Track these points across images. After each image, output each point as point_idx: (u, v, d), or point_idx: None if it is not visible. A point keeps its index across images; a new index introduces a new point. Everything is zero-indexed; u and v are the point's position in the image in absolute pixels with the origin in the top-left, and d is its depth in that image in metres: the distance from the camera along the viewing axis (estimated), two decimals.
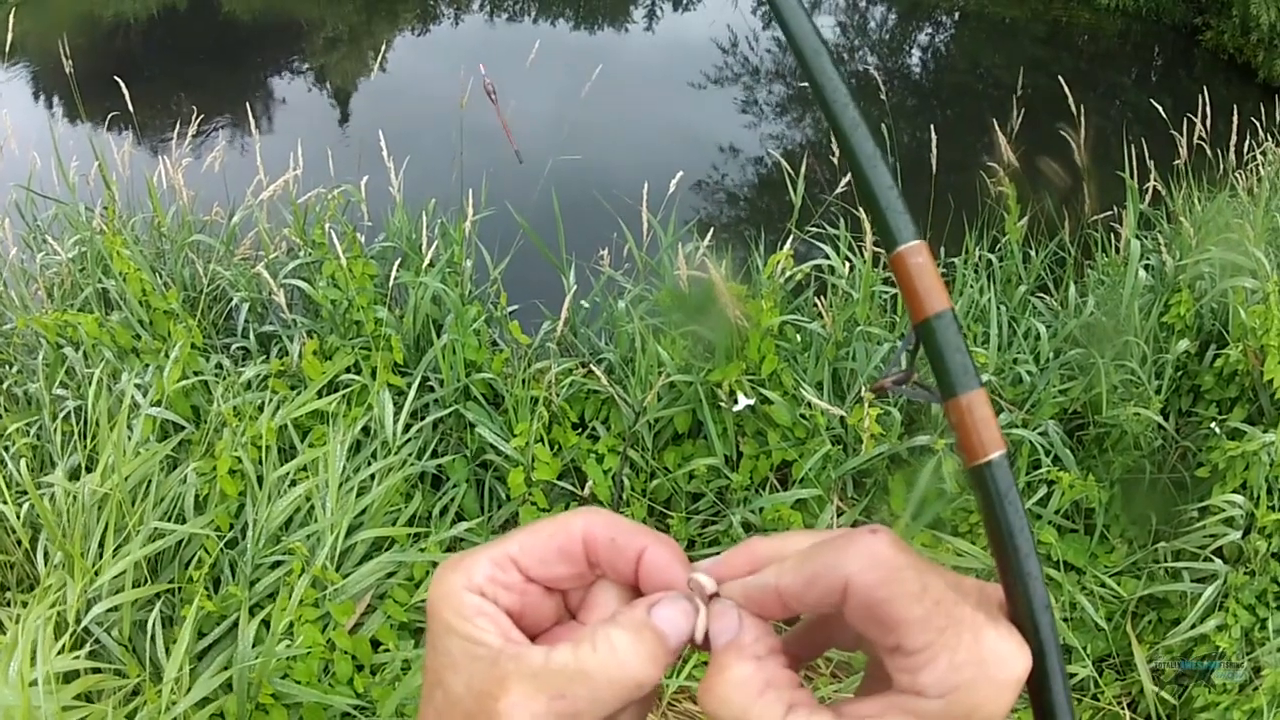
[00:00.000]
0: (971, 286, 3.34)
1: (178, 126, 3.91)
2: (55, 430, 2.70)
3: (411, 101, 6.55)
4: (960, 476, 2.57)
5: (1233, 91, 6.93)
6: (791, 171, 3.37)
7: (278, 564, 2.30)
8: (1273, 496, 2.60)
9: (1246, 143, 4.21)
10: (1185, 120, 3.84)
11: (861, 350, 2.96)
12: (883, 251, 1.82)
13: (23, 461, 2.53)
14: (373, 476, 2.55)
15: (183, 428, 2.70)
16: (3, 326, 3.27)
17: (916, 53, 9.41)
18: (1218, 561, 2.59)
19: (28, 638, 1.87)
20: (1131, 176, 3.50)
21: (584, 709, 0.34)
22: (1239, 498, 2.59)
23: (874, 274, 3.08)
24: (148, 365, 2.79)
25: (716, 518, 2.83)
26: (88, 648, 2.11)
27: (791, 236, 3.25)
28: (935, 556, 2.57)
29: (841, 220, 3.37)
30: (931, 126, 3.70)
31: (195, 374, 2.79)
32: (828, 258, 3.27)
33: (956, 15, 9.84)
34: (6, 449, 2.70)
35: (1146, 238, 3.59)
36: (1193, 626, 2.51)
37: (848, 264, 3.22)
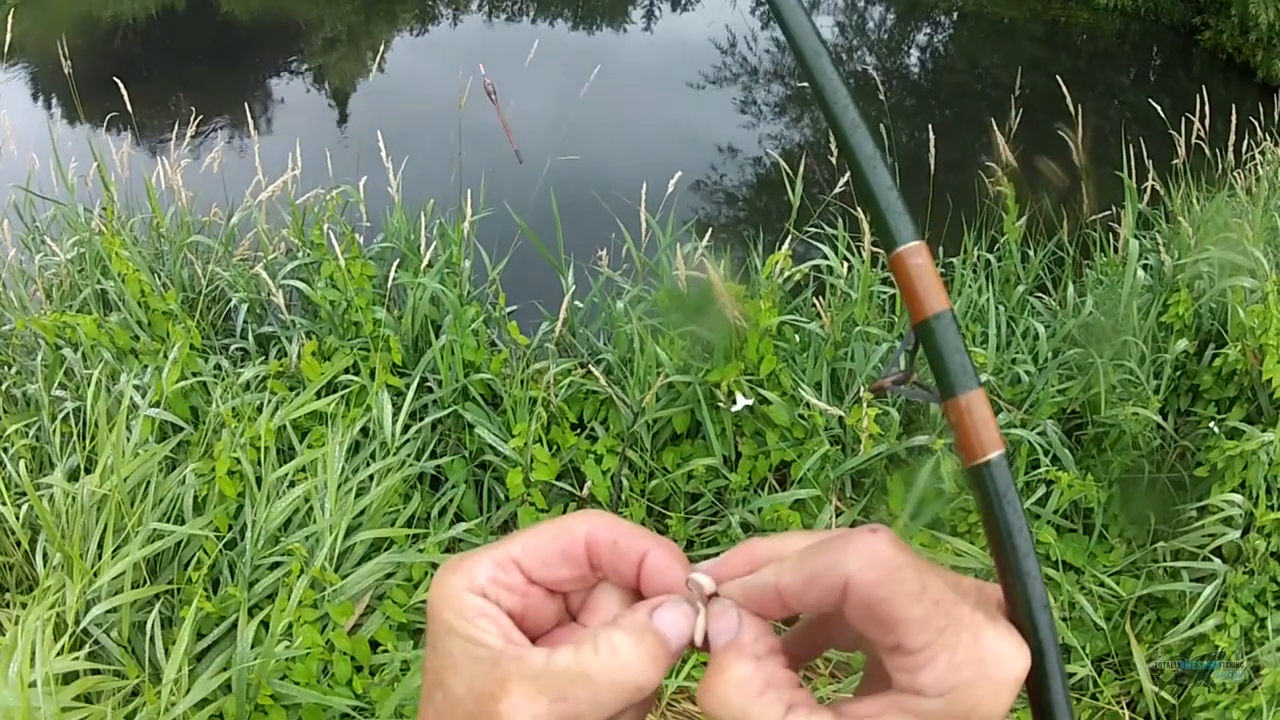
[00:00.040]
0: (970, 286, 3.34)
1: (176, 127, 3.90)
2: (54, 431, 2.70)
3: (410, 102, 6.54)
4: (959, 476, 2.57)
5: (1231, 91, 6.92)
6: (790, 171, 3.37)
7: (276, 565, 2.30)
8: (1271, 496, 2.60)
9: (1245, 142, 4.22)
10: (1184, 120, 3.84)
11: (860, 350, 2.96)
12: (882, 252, 1.82)
13: (22, 463, 2.52)
14: (371, 477, 2.55)
15: (181, 429, 2.70)
16: (2, 327, 3.26)
17: (915, 53, 9.41)
18: (1217, 561, 2.59)
19: (27, 639, 1.87)
20: (1130, 176, 3.49)
21: (585, 711, 0.34)
22: (1238, 497, 2.59)
23: (872, 274, 3.09)
24: (146, 366, 2.78)
25: (715, 518, 2.83)
26: (87, 649, 2.11)
27: (790, 237, 3.25)
28: (934, 556, 2.57)
29: (840, 220, 3.38)
30: (930, 126, 3.71)
31: (194, 375, 2.79)
32: (826, 258, 3.27)
33: (955, 15, 9.84)
34: (5, 450, 2.70)
35: (1145, 237, 3.59)
36: (1192, 626, 2.51)
37: (846, 264, 3.22)
